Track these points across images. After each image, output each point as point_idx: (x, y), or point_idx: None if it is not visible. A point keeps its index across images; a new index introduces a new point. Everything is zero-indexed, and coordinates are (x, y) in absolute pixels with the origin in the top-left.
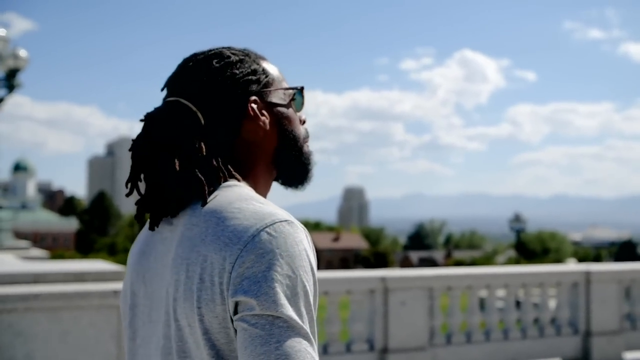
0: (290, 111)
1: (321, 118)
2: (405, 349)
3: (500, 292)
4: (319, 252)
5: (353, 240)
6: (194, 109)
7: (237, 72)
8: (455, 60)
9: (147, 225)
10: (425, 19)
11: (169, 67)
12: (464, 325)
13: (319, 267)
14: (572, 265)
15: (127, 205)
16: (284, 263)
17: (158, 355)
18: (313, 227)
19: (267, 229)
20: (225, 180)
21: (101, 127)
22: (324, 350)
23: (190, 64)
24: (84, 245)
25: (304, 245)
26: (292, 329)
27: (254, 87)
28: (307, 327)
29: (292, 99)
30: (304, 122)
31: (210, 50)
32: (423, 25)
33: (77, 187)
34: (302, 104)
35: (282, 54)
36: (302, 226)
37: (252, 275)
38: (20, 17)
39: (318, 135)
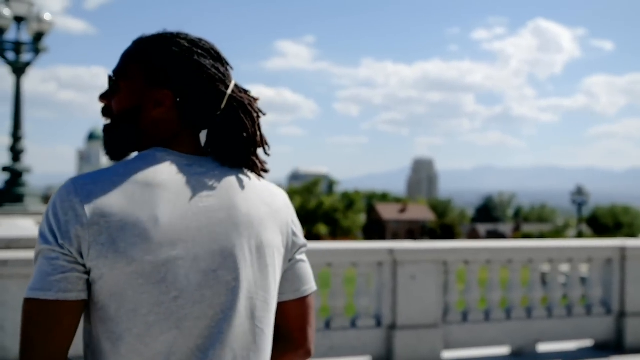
0: None
1: (391, 89)
2: (415, 326)
3: (524, 267)
4: (385, 223)
5: (420, 212)
6: None
7: None
8: (528, 29)
9: None
10: None
11: (238, 39)
12: (482, 303)
13: (385, 237)
14: (606, 241)
15: None
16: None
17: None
18: (380, 198)
19: None
20: None
21: None
22: (326, 325)
23: None
24: None
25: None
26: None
27: None
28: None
29: None
30: None
31: None
32: None
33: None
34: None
35: (353, 26)
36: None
37: None
38: None
39: (388, 106)
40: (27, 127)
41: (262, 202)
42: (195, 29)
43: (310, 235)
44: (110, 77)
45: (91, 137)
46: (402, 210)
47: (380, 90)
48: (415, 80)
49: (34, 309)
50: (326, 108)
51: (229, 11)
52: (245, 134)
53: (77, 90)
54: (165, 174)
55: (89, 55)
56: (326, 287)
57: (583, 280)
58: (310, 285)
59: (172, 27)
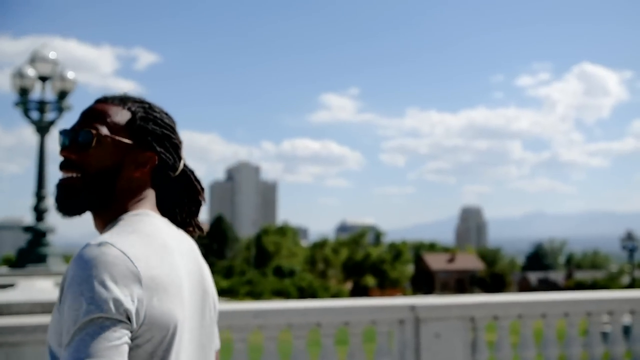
0: None
1: (437, 138)
2: None
3: (559, 322)
4: (433, 273)
5: (469, 261)
6: None
7: None
8: (574, 74)
9: None
10: (541, 33)
11: (283, 92)
12: None
13: (434, 288)
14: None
15: (244, 229)
16: None
17: None
18: (428, 248)
19: None
20: None
21: (221, 153)
22: None
23: None
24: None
25: None
26: None
27: None
28: None
29: None
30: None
31: None
32: (539, 40)
33: (201, 211)
34: (58, 143)
35: (397, 76)
36: None
37: None
38: (147, 51)
39: (434, 155)
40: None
41: (203, 262)
42: (239, 86)
43: (358, 288)
44: (89, 131)
45: None
46: (451, 260)
47: (426, 139)
48: (461, 128)
49: None
50: (372, 159)
51: (272, 67)
52: (200, 198)
53: None
54: (167, 236)
55: None
56: (344, 347)
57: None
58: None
59: (219, 86)
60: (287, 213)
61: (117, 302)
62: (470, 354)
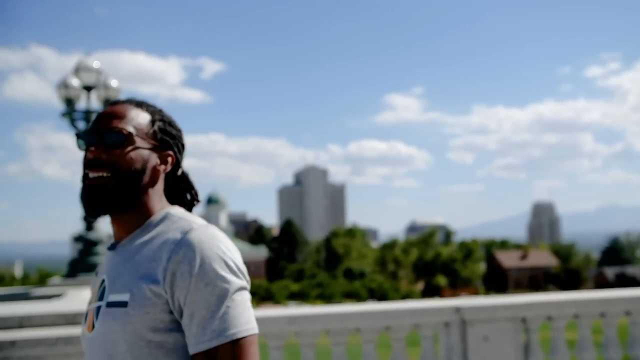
0: None
1: (505, 134)
2: None
3: (620, 321)
4: (506, 271)
5: (542, 258)
6: None
7: None
8: None
9: None
10: (608, 22)
11: (348, 94)
12: None
13: (507, 286)
14: None
15: (314, 232)
16: None
17: None
18: (499, 245)
19: None
20: None
21: (289, 158)
22: None
23: None
24: (274, 272)
25: None
26: None
27: None
28: None
29: None
30: (83, 160)
31: None
32: (606, 30)
33: (270, 216)
34: (78, 145)
35: (461, 71)
36: None
37: None
38: (212, 60)
39: (502, 151)
40: None
41: None
42: (304, 90)
43: (430, 287)
44: (119, 131)
45: (210, 201)
46: (523, 257)
47: (494, 135)
48: (529, 123)
49: (253, 345)
50: (440, 158)
51: (336, 69)
52: (198, 197)
53: (198, 157)
54: None
55: (206, 123)
56: (387, 353)
57: None
58: None
59: (284, 91)
60: (356, 215)
61: (244, 272)
62: (523, 357)
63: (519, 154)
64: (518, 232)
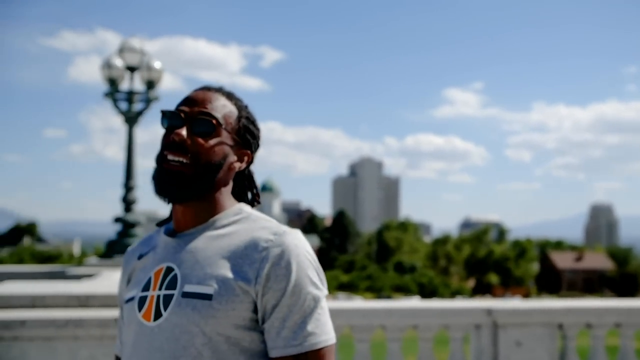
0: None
1: (564, 133)
2: None
3: None
4: (559, 272)
5: (598, 261)
6: None
7: None
8: None
9: None
10: None
11: (407, 87)
12: None
13: (560, 287)
14: None
15: (366, 225)
16: None
17: None
18: (554, 246)
19: None
20: None
21: (345, 149)
22: None
23: None
24: (324, 262)
25: None
26: None
27: None
28: None
29: None
30: (167, 138)
31: None
32: None
33: (323, 206)
34: (162, 122)
35: (523, 70)
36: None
37: None
38: (272, 49)
39: (562, 150)
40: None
41: None
42: (362, 81)
43: (481, 285)
44: (210, 120)
45: (264, 188)
46: (579, 259)
47: (553, 134)
48: (590, 122)
49: (334, 353)
50: (497, 154)
51: (396, 62)
52: (258, 197)
53: None
54: None
55: (264, 111)
56: (413, 354)
57: None
58: None
59: (343, 82)
60: (409, 209)
61: (325, 282)
62: None
63: (579, 153)
64: (574, 234)
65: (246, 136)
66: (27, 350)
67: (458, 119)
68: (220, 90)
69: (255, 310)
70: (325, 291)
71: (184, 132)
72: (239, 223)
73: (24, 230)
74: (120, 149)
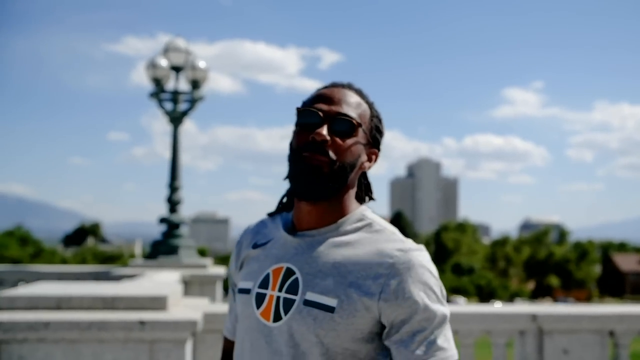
0: (294, 131)
1: (628, 132)
2: None
3: None
4: (623, 275)
5: None
6: None
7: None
8: None
9: None
10: None
11: (465, 88)
12: None
13: (624, 290)
14: None
15: (424, 226)
16: None
17: None
18: (617, 248)
19: None
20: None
21: (403, 150)
22: None
23: None
24: None
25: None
26: None
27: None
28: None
29: (297, 119)
30: (304, 136)
31: None
32: None
33: (381, 207)
34: (299, 120)
35: (584, 68)
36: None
37: None
38: (330, 51)
39: (625, 150)
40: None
41: None
42: (421, 83)
43: (541, 287)
44: (351, 120)
45: None
46: None
47: (616, 134)
48: None
49: None
50: (558, 155)
51: (454, 63)
52: (372, 197)
53: None
54: None
55: None
56: None
57: None
58: None
59: (401, 83)
60: (468, 210)
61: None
62: None
63: None
64: (638, 235)
65: (376, 135)
66: (52, 353)
67: (518, 118)
68: (351, 87)
69: (375, 325)
70: (448, 310)
71: (324, 131)
72: (363, 231)
73: (88, 231)
74: (182, 151)
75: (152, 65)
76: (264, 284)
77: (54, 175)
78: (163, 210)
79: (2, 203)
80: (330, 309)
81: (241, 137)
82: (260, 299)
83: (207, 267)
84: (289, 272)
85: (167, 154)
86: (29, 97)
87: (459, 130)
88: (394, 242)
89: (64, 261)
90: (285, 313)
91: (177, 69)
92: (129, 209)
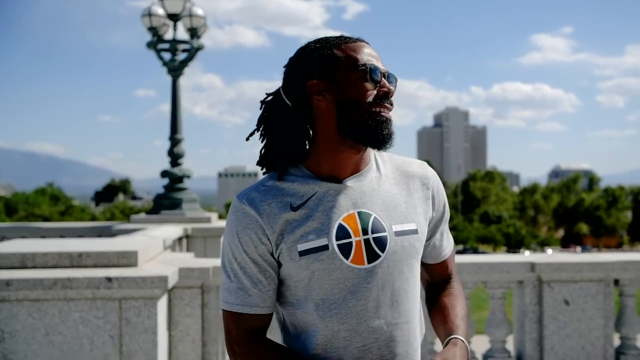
0: (352, 85)
1: None
2: None
3: None
4: None
5: None
6: (283, 96)
7: (305, 59)
8: None
9: None
10: None
11: (493, 36)
12: None
13: None
14: None
15: (453, 175)
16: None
17: None
18: None
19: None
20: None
21: (430, 100)
22: None
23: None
24: None
25: (232, 217)
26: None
27: (316, 70)
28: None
29: (361, 74)
30: (381, 93)
31: (305, 44)
32: None
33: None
34: (371, 77)
35: (615, 11)
36: (248, 203)
37: None
38: (355, 1)
39: None
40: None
41: None
42: (447, 32)
43: (571, 234)
44: (395, 78)
45: None
46: None
47: None
48: None
49: None
50: (588, 101)
51: (481, 11)
52: None
53: None
54: None
55: None
56: None
57: None
58: None
59: (427, 33)
60: (497, 159)
61: None
62: (613, 326)
63: None
64: None
65: None
66: (17, 312)
67: (547, 65)
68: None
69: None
70: None
71: (393, 87)
72: (381, 162)
73: (118, 188)
74: (209, 106)
75: (148, 14)
76: (342, 234)
77: (83, 133)
78: (192, 164)
79: (33, 162)
80: (415, 232)
81: (267, 91)
82: (346, 249)
83: (211, 220)
84: (365, 216)
85: (196, 110)
86: (54, 55)
87: (487, 78)
88: (409, 162)
89: (93, 218)
90: (382, 250)
91: (174, 17)
92: (159, 165)
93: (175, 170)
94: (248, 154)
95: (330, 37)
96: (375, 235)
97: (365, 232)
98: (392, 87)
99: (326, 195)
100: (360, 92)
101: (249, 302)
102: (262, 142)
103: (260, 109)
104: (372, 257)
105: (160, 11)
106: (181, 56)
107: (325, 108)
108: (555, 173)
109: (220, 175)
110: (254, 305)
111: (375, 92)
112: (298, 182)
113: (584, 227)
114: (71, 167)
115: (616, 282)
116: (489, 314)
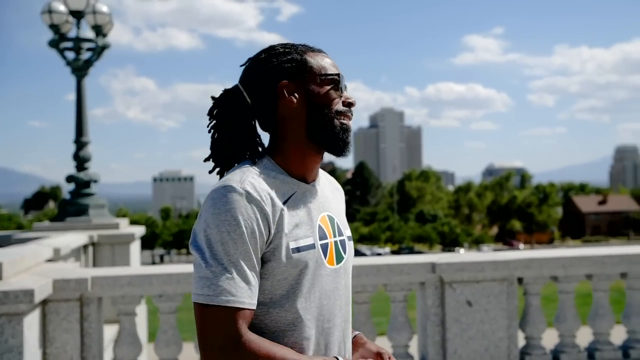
0: (323, 91)
1: (588, 75)
2: None
3: None
4: (583, 216)
5: (622, 203)
6: (244, 92)
7: (275, 61)
8: None
9: None
10: None
11: (426, 37)
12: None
13: (584, 231)
14: None
15: (389, 176)
16: (209, 219)
17: None
18: (578, 189)
19: (212, 194)
20: (250, 156)
21: (365, 101)
22: None
23: (254, 55)
24: (347, 214)
25: (231, 206)
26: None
27: (288, 72)
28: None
29: (330, 83)
30: (346, 103)
31: (269, 46)
32: None
33: (345, 159)
34: (339, 87)
35: (543, 13)
36: (244, 191)
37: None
38: (289, 3)
39: (585, 93)
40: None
41: None
42: (381, 33)
43: (504, 231)
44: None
45: None
46: (602, 202)
47: (577, 77)
48: (615, 63)
49: None
50: (519, 100)
51: (414, 12)
52: None
53: None
54: None
55: None
56: None
57: None
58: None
59: (361, 34)
60: (432, 158)
61: None
62: (518, 326)
63: (603, 95)
64: (600, 177)
65: None
66: None
67: (479, 65)
68: None
69: None
70: None
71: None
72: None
73: (48, 195)
74: (142, 110)
75: (49, 10)
76: (322, 234)
77: (13, 140)
78: (126, 169)
79: None
80: (351, 238)
81: (203, 94)
82: (324, 249)
83: (119, 226)
84: (331, 219)
85: (130, 114)
86: None
87: (421, 79)
88: (330, 177)
89: (20, 227)
90: (345, 253)
91: (77, 15)
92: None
93: (82, 174)
94: (183, 157)
95: (297, 43)
96: (339, 238)
97: (334, 234)
98: (354, 99)
99: (304, 195)
100: (329, 99)
101: (254, 297)
102: (213, 137)
103: (214, 104)
104: (339, 258)
105: (61, 8)
106: (86, 55)
107: (295, 109)
108: (489, 171)
109: (155, 179)
110: (254, 300)
111: (340, 101)
112: (279, 179)
113: (516, 224)
114: (0, 175)
115: (520, 280)
116: (390, 317)
